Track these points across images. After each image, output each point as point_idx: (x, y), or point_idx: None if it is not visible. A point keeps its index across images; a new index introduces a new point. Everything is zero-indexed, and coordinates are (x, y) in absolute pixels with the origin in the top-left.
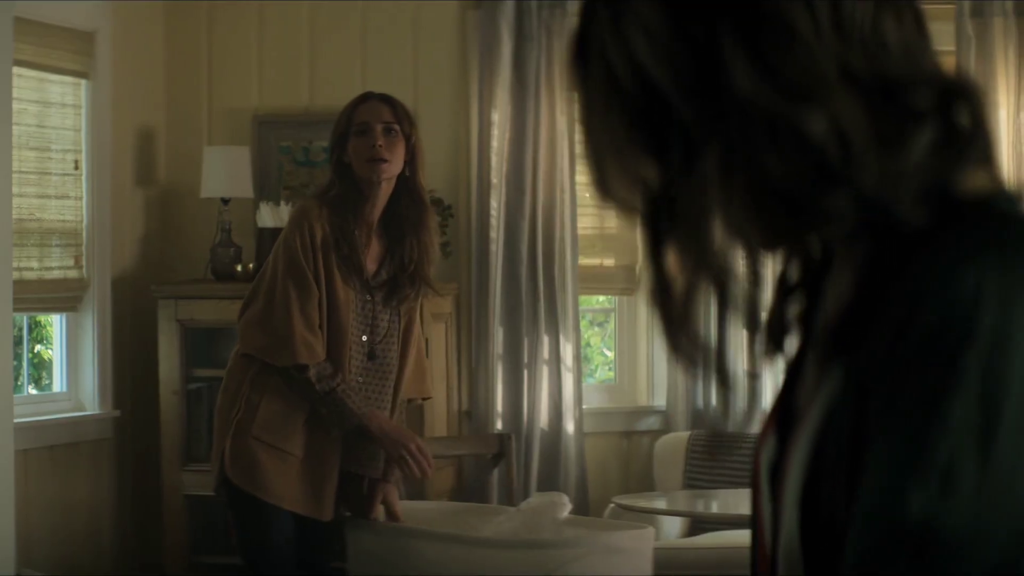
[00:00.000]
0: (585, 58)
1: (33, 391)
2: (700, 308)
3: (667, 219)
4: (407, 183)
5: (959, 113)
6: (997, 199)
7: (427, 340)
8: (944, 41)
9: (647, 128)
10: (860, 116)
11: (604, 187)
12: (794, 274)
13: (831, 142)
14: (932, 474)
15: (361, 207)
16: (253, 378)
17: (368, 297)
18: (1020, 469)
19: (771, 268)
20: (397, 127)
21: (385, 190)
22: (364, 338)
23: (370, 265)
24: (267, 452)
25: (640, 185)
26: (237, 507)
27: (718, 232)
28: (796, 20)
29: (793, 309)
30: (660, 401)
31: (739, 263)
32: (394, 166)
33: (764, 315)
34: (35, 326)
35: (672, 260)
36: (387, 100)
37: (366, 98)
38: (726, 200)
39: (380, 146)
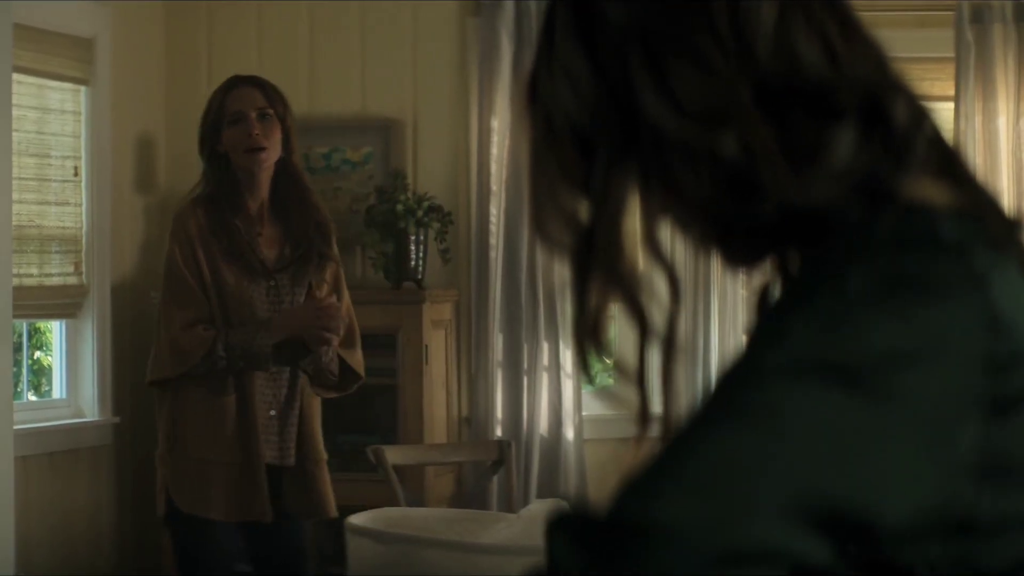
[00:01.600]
0: (532, 104)
1: (33, 397)
2: (609, 332)
3: (590, 251)
4: (285, 166)
5: (891, 111)
6: (933, 215)
7: (427, 347)
8: (943, 47)
9: (578, 168)
10: (768, 132)
11: (540, 227)
12: (775, 292)
13: (744, 161)
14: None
15: (241, 196)
16: (170, 400)
17: (271, 282)
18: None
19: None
20: (271, 111)
21: (266, 176)
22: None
23: (268, 250)
24: (206, 467)
25: (571, 223)
26: (185, 534)
27: (636, 257)
28: (699, 46)
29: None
30: (660, 407)
31: (659, 287)
32: (273, 152)
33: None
34: (34, 333)
35: (594, 293)
36: (258, 84)
37: (235, 84)
38: (646, 222)
39: (257, 135)
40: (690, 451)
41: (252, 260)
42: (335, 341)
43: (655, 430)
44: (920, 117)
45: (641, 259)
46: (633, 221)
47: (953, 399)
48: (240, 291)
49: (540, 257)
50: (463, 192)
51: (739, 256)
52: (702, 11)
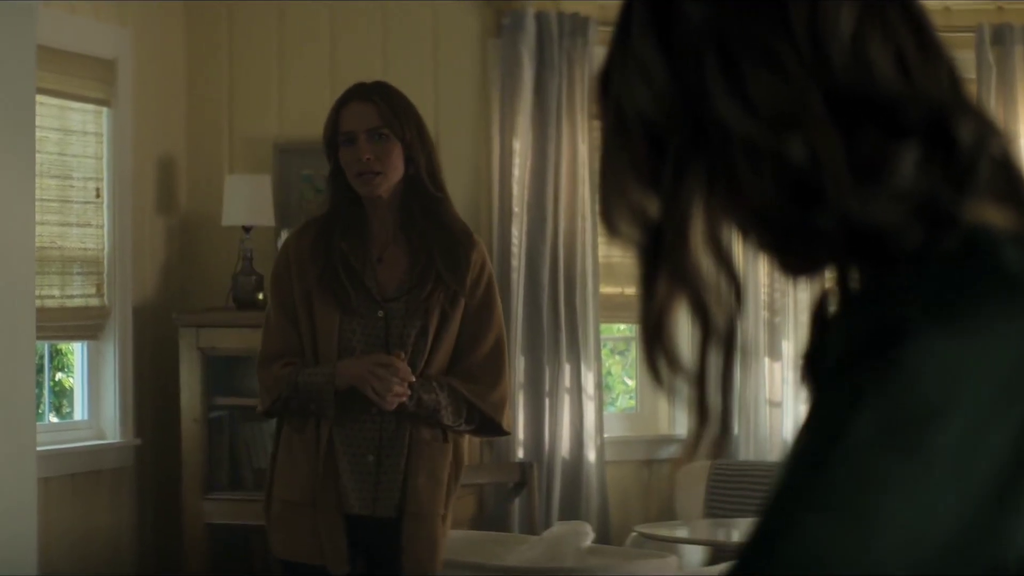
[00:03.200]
0: (605, 98)
1: (54, 419)
2: (676, 331)
3: (658, 248)
4: (413, 183)
5: (957, 132)
6: (996, 243)
7: None
8: (964, 69)
9: (649, 164)
10: (837, 142)
11: (609, 221)
12: (832, 304)
13: (809, 168)
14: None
15: (361, 218)
16: (274, 435)
17: (380, 312)
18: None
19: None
20: (387, 130)
21: (389, 200)
22: None
23: (387, 277)
24: (288, 510)
25: (640, 218)
26: None
27: (703, 256)
28: (775, 49)
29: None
30: (681, 430)
31: (725, 289)
32: (390, 175)
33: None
34: (56, 354)
35: (662, 290)
36: (370, 98)
37: (349, 98)
38: (710, 223)
39: (368, 159)
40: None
41: (354, 288)
42: (390, 404)
43: (712, 432)
44: (986, 138)
45: (706, 259)
46: (702, 220)
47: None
48: (327, 324)
49: (562, 279)
50: (485, 213)
51: (796, 265)
52: (780, 14)
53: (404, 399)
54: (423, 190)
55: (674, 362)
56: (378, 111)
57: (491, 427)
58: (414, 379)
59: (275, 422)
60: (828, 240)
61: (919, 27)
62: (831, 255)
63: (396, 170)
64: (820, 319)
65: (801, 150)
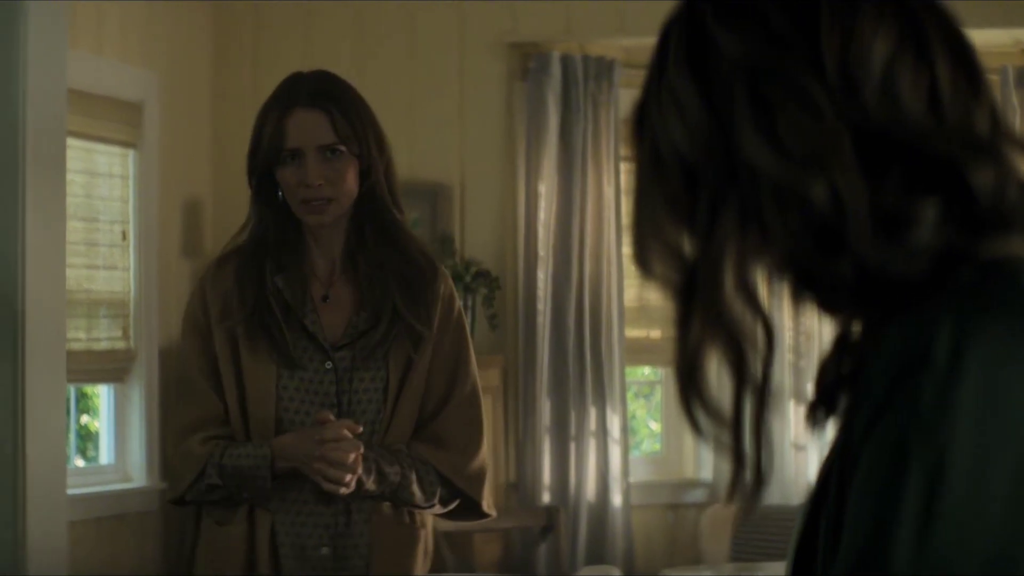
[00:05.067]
0: (640, 133)
1: (80, 462)
2: (709, 374)
3: (693, 290)
4: (368, 202)
5: (976, 180)
6: (1014, 265)
7: None
8: None
9: (683, 201)
10: (862, 190)
11: (643, 261)
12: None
13: (831, 212)
14: (884, 535)
15: (299, 247)
16: (191, 529)
17: (328, 365)
18: (961, 541)
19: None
20: (343, 148)
21: (337, 223)
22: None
23: (334, 320)
24: None
25: (675, 258)
26: None
27: (736, 298)
28: (806, 87)
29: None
30: (706, 473)
31: (758, 332)
32: (343, 201)
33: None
34: (81, 397)
35: (696, 332)
36: (321, 106)
37: (291, 105)
38: (741, 263)
39: (319, 185)
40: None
41: (294, 334)
42: (341, 489)
43: (747, 479)
44: (1006, 184)
45: (739, 301)
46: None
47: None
48: (260, 381)
49: (588, 322)
50: (510, 257)
51: (828, 306)
52: (813, 50)
53: (357, 476)
54: (380, 210)
55: (709, 406)
56: (332, 123)
57: (469, 507)
58: (361, 450)
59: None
60: (848, 285)
61: (959, 55)
62: (854, 299)
63: (350, 195)
64: (840, 354)
65: (826, 195)
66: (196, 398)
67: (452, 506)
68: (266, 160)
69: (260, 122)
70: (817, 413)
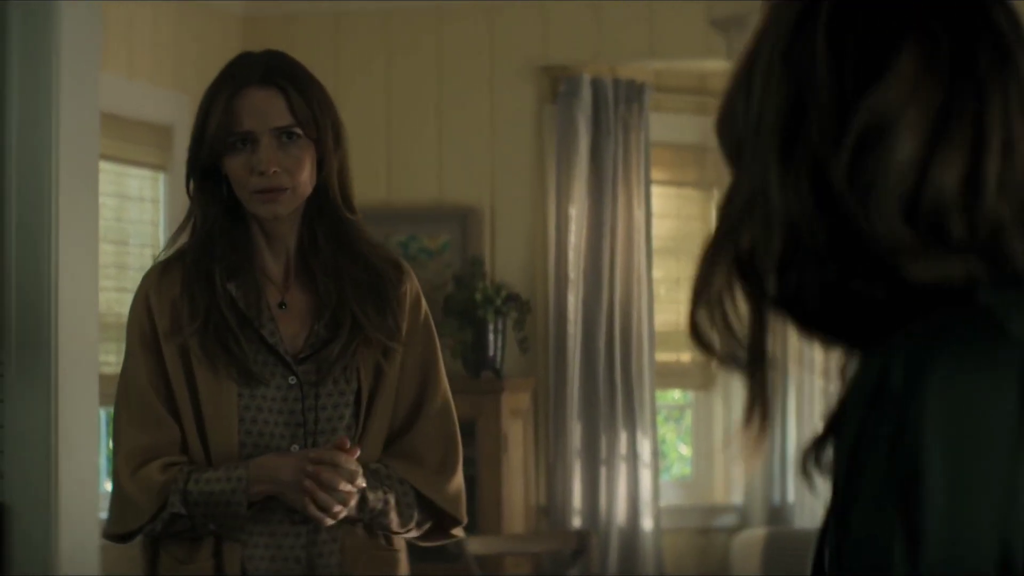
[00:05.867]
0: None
1: (109, 486)
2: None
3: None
4: (320, 198)
5: (1014, 255)
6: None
7: (505, 436)
8: None
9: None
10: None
11: (696, 330)
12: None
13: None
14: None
15: (250, 248)
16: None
17: (291, 379)
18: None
19: None
20: (299, 130)
21: (288, 222)
22: (295, 447)
23: (291, 330)
24: None
25: (729, 335)
26: None
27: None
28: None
29: None
30: (737, 498)
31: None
32: (300, 191)
33: None
34: (111, 421)
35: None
36: (277, 83)
37: (242, 84)
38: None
39: (274, 172)
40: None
41: (255, 349)
42: (328, 520)
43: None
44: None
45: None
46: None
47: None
48: (219, 399)
49: (618, 345)
50: (541, 280)
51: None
52: (841, 115)
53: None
54: (331, 208)
55: (733, 330)
56: (287, 102)
57: (446, 526)
58: (363, 482)
59: (139, 546)
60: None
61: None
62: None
63: (307, 183)
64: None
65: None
66: (150, 421)
67: (426, 528)
68: (213, 148)
69: (205, 105)
70: (820, 448)
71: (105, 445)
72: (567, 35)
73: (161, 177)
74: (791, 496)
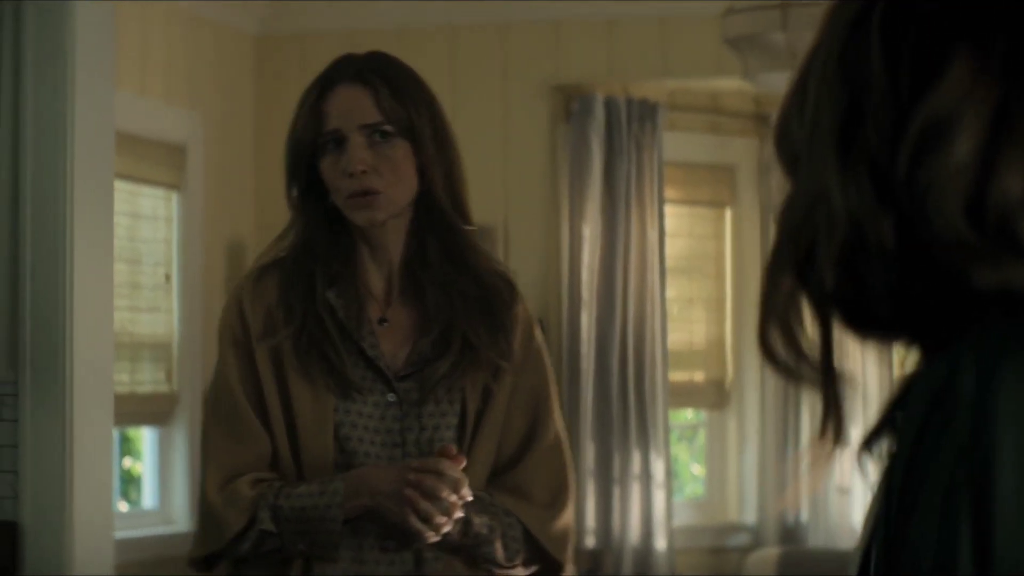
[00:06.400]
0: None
1: (123, 505)
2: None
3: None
4: (426, 206)
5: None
6: None
7: None
8: None
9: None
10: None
11: (765, 344)
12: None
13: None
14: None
15: (352, 256)
16: None
17: (390, 397)
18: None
19: None
20: (390, 127)
21: (393, 230)
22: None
23: (394, 345)
24: None
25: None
26: None
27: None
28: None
29: None
30: (750, 517)
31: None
32: (397, 194)
33: None
34: (124, 441)
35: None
36: (364, 79)
37: (332, 82)
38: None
39: (362, 172)
40: None
41: (353, 362)
42: (430, 534)
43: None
44: None
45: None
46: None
47: None
48: (314, 413)
49: (631, 365)
50: (554, 299)
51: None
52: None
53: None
54: (439, 217)
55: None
56: (376, 98)
57: (550, 570)
58: (469, 494)
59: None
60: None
61: None
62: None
63: (405, 186)
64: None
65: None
66: (242, 432)
67: (532, 570)
68: (304, 150)
69: (298, 107)
70: (873, 443)
71: (118, 465)
72: (580, 54)
73: (174, 196)
74: (804, 515)
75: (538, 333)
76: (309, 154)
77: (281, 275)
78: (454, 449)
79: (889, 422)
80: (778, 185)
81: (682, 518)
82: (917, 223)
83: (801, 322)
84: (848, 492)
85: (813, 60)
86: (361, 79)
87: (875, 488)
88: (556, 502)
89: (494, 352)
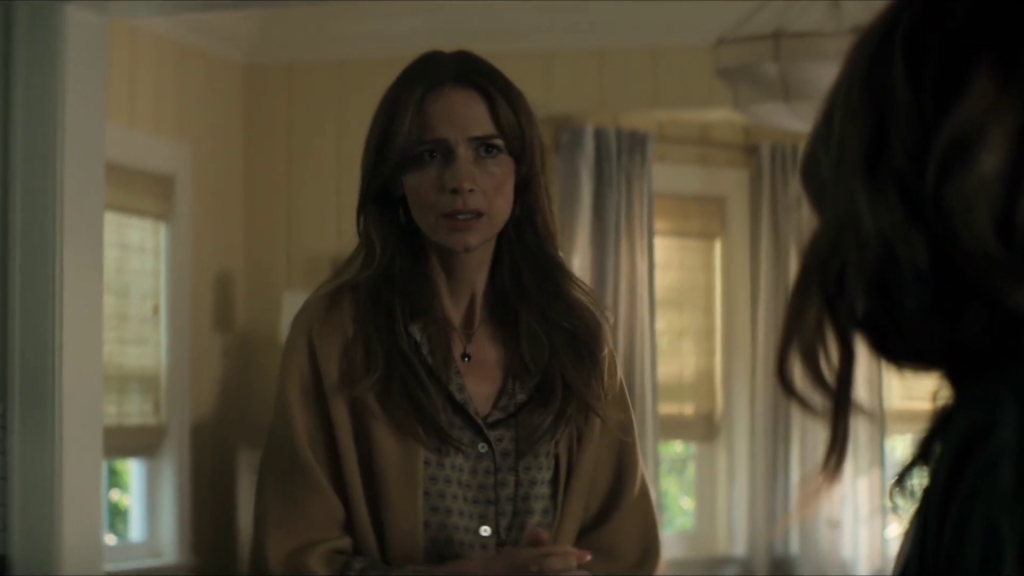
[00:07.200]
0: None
1: (111, 538)
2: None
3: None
4: (521, 232)
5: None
6: None
7: None
8: None
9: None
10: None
11: (784, 377)
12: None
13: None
14: None
15: (430, 286)
16: None
17: (483, 448)
18: None
19: None
20: (500, 143)
21: (481, 253)
22: (485, 529)
23: (481, 387)
24: None
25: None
26: None
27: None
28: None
29: None
30: (739, 550)
31: None
32: (496, 219)
33: None
34: (112, 473)
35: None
36: (476, 83)
37: (437, 81)
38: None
39: (469, 190)
40: None
41: (442, 407)
42: None
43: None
44: None
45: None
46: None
47: None
48: (403, 468)
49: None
50: None
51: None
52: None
53: None
54: (537, 243)
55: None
56: (491, 109)
57: None
58: None
59: None
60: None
61: None
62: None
63: (504, 214)
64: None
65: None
66: (307, 492)
67: None
68: (398, 161)
69: (388, 109)
70: (906, 478)
71: (106, 497)
72: (570, 85)
73: (162, 227)
74: (794, 547)
75: (620, 371)
76: (401, 165)
77: (356, 304)
78: (545, 536)
79: (922, 456)
80: (805, 219)
81: (672, 551)
82: (947, 241)
83: (826, 352)
84: (838, 525)
85: (838, 92)
86: (471, 82)
87: (907, 524)
88: (647, 559)
89: (588, 394)
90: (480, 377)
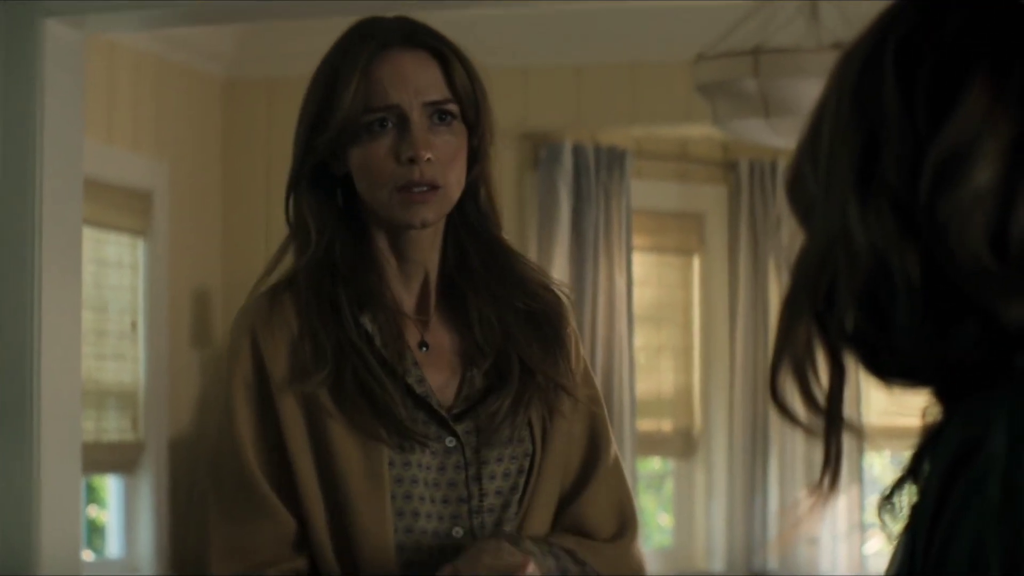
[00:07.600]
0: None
1: (88, 555)
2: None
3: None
4: (463, 209)
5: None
6: None
7: None
8: None
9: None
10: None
11: (776, 393)
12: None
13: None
14: None
15: (377, 271)
16: None
17: (449, 442)
18: None
19: None
20: (455, 107)
21: (432, 232)
22: (458, 531)
23: (440, 378)
24: None
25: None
26: None
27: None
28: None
29: None
30: (718, 566)
31: None
32: (451, 192)
33: None
34: (89, 489)
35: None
36: (428, 44)
37: (385, 41)
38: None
39: (427, 159)
40: None
41: (401, 401)
42: None
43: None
44: None
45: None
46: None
47: None
48: (364, 474)
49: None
50: None
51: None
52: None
53: None
54: (482, 220)
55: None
56: (444, 70)
57: None
58: None
59: None
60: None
61: None
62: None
63: (458, 185)
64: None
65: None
66: (255, 512)
67: None
68: (342, 132)
69: (328, 76)
70: (894, 495)
71: (84, 514)
72: (548, 101)
73: (140, 243)
74: (773, 564)
75: (583, 348)
76: (346, 136)
77: (297, 298)
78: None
79: (911, 473)
80: (790, 235)
81: (650, 567)
82: (941, 255)
83: (816, 370)
84: (816, 542)
85: (825, 106)
86: (422, 43)
87: (895, 540)
88: (626, 532)
89: (556, 374)
90: (439, 367)
